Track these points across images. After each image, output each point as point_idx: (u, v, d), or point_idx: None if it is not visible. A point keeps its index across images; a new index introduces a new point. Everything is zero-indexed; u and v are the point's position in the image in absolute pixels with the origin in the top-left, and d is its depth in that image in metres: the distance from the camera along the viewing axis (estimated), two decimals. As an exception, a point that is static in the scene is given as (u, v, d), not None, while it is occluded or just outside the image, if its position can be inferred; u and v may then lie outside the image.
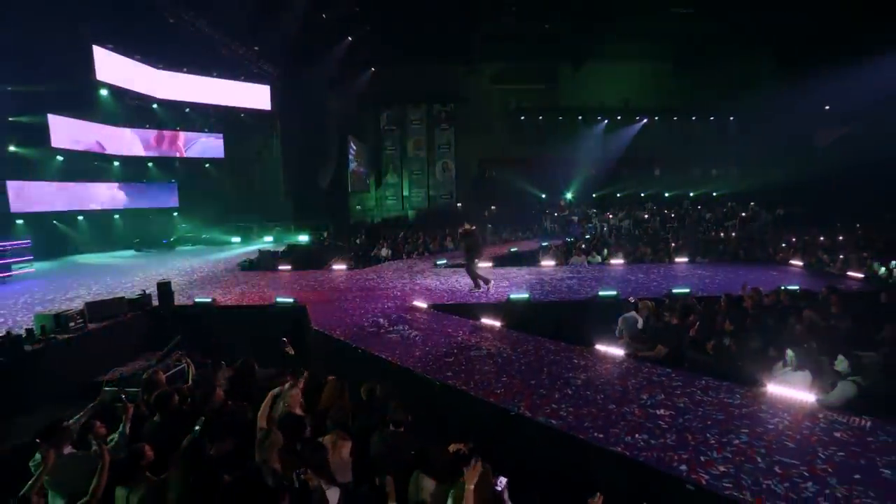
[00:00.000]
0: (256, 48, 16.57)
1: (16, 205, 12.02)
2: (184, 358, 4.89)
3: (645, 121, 23.79)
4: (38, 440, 2.97)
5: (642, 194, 23.32)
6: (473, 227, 8.59)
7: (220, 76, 17.18)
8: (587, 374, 4.65)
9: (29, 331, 5.64)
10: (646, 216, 19.01)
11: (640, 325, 6.14)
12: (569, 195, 23.48)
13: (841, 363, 4.42)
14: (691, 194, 23.68)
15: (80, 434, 3.16)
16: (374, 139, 24.66)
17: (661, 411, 3.87)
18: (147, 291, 7.79)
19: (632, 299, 6.78)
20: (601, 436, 3.49)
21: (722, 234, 15.84)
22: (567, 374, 4.67)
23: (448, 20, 18.73)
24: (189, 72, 16.61)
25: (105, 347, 6.30)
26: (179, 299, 8.00)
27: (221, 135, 18.43)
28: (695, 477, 3.00)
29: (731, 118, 24.22)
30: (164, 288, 7.66)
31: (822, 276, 9.34)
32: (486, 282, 8.40)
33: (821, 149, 22.48)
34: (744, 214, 19.27)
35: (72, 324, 6.02)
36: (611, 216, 19.06)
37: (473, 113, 24.53)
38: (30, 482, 2.88)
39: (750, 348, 5.19)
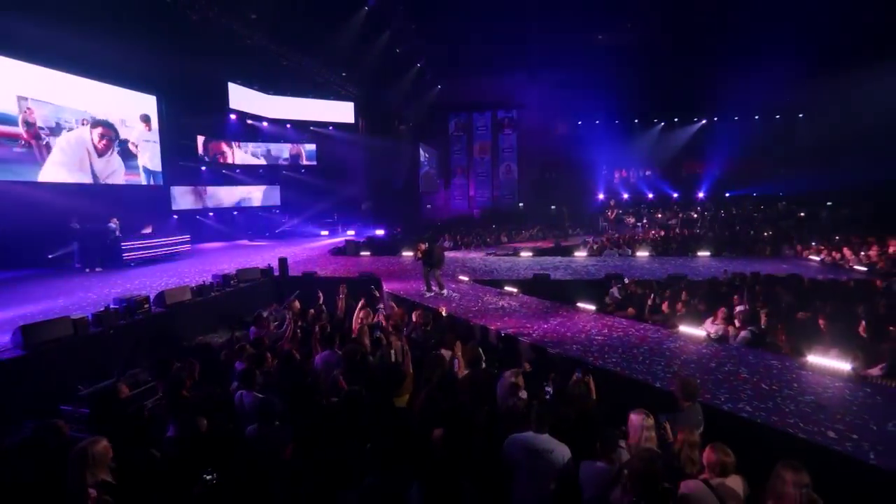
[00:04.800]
0: (344, 74, 19.93)
1: (174, 204, 16.19)
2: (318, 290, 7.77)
3: (703, 122, 24.14)
4: (251, 321, 5.88)
5: (700, 195, 23.77)
6: (426, 245, 9.03)
7: (313, 97, 20.84)
8: (562, 319, 6.80)
9: (212, 283, 8.89)
10: (694, 216, 19.78)
11: (619, 294, 8.07)
12: (624, 195, 24.57)
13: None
14: (754, 194, 23.63)
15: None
16: (443, 144, 27.40)
17: (599, 337, 5.96)
18: (270, 265, 10.98)
19: (627, 279, 8.67)
20: (552, 344, 5.69)
21: (766, 234, 16.42)
22: (550, 319, 6.85)
23: (507, 35, 20.77)
24: (290, 95, 20.42)
25: (249, 297, 9.44)
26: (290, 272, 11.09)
27: (315, 145, 22.11)
28: (590, 358, 5.12)
29: (800, 115, 23.69)
30: (283, 262, 10.81)
31: (826, 269, 10.41)
32: (441, 287, 8.74)
33: None
34: (801, 215, 19.38)
35: (232, 281, 9.23)
36: (660, 216, 20.10)
37: (535, 118, 26.34)
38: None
39: (698, 310, 6.98)
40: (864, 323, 5.20)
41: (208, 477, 2.44)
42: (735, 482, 2.53)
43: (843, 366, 4.45)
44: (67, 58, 11.32)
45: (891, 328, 5.03)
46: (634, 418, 3.17)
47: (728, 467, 2.53)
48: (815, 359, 4.65)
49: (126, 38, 11.55)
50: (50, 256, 11.38)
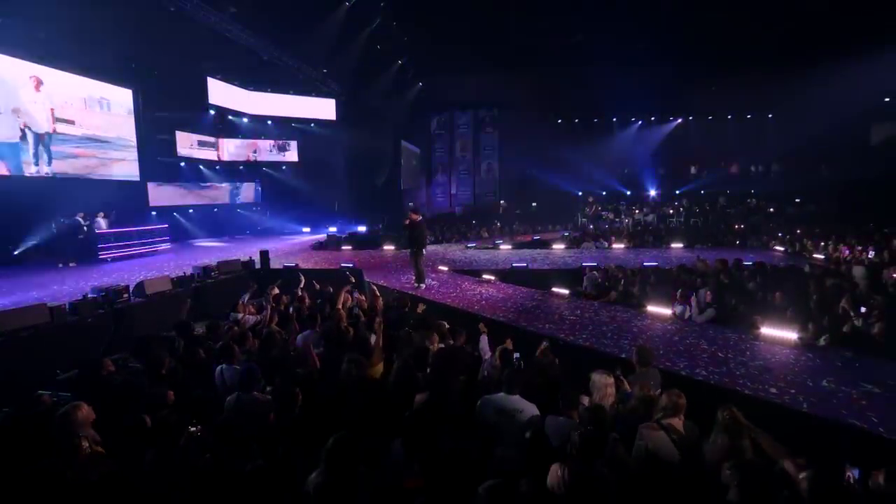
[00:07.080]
0: (325, 70, 19.95)
1: (152, 200, 15.99)
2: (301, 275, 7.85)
3: (679, 121, 24.83)
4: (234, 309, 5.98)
5: (677, 192, 24.41)
6: (420, 217, 8.36)
7: (294, 93, 20.79)
8: (538, 303, 7.06)
9: (192, 275, 8.90)
10: (671, 211, 20.36)
11: (599, 280, 8.37)
12: (603, 192, 25.08)
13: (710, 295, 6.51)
14: (728, 192, 24.35)
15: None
16: (425, 142, 27.56)
17: (571, 317, 6.22)
18: (251, 258, 11.00)
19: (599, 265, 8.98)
20: (525, 324, 5.93)
21: (737, 227, 17.04)
22: (525, 302, 7.10)
23: (488, 34, 21.05)
24: (271, 91, 20.34)
25: (231, 287, 9.45)
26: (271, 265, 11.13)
27: (295, 142, 22.04)
28: (561, 335, 5.37)
29: (770, 115, 24.54)
30: (264, 254, 10.86)
31: (788, 258, 10.96)
32: (421, 280, 8.30)
33: (876, 146, 21.87)
34: (771, 210, 20.12)
35: (213, 273, 9.26)
36: (637, 211, 20.64)
37: (516, 117, 26.65)
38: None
39: (667, 293, 7.32)
40: (813, 300, 5.57)
41: (193, 429, 2.58)
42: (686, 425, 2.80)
43: (791, 335, 4.80)
44: (38, 48, 11.11)
45: (834, 305, 5.42)
46: (596, 377, 3.42)
47: (678, 408, 2.80)
48: (767, 330, 5.00)
49: (100, 30, 11.41)
50: (15, 253, 11.14)
